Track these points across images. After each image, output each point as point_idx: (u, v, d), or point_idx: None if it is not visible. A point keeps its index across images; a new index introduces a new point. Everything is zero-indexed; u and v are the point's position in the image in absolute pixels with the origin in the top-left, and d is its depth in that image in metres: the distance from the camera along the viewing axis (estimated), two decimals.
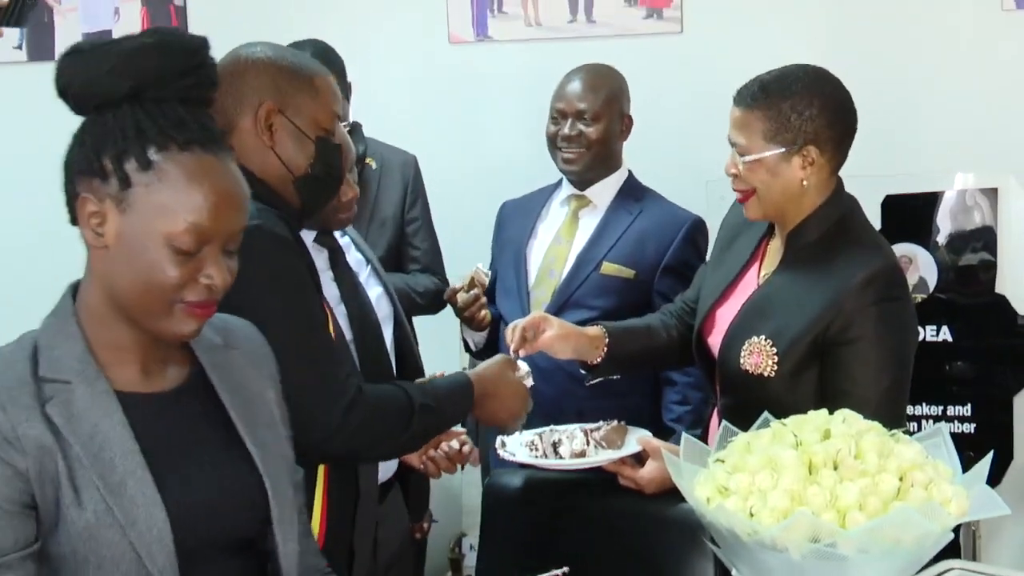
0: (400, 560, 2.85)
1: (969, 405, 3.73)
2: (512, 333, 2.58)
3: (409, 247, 3.59)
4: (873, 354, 2.32)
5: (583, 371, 2.72)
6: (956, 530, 3.36)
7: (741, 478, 1.92)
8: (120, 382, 1.67)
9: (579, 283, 3.24)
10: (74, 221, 1.67)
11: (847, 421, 1.98)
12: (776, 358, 2.37)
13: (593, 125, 3.30)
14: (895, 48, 3.94)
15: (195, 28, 4.35)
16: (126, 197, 1.61)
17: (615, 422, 2.55)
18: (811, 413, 2.03)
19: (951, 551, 2.18)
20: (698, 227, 3.33)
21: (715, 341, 2.55)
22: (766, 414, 2.12)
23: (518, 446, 2.51)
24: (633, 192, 3.35)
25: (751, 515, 1.86)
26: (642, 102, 3.87)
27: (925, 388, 3.74)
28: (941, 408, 3.75)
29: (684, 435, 2.12)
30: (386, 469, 2.71)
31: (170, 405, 1.72)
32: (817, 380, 2.37)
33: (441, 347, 3.65)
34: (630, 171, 3.40)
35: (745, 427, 2.20)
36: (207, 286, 1.64)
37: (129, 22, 4.40)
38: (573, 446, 2.46)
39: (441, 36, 4.21)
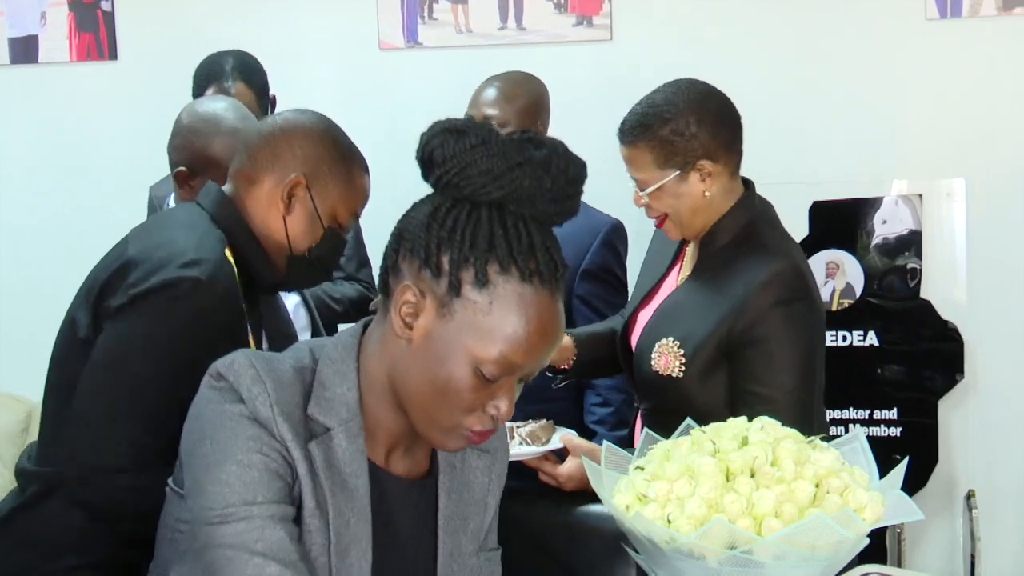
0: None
1: (896, 409, 3.77)
2: None
3: None
4: (777, 355, 2.34)
5: (549, 374, 2.74)
6: (882, 534, 3.41)
7: (660, 486, 1.91)
8: (368, 450, 1.65)
9: None
10: (384, 290, 1.64)
11: (765, 428, 1.98)
12: (683, 359, 2.40)
13: (502, 130, 3.26)
14: (821, 57, 3.97)
15: (122, 34, 4.32)
16: (450, 303, 1.56)
17: (543, 420, 2.55)
18: (730, 420, 2.03)
19: (876, 555, 2.20)
20: (616, 231, 3.33)
21: (634, 344, 2.58)
22: (688, 420, 2.13)
23: None
24: None
25: (669, 523, 1.86)
26: (572, 108, 3.88)
27: (853, 392, 3.78)
28: (868, 412, 3.78)
29: (605, 443, 2.12)
30: None
31: (399, 491, 1.69)
32: (726, 382, 2.39)
33: None
34: None
35: (663, 429, 2.24)
36: (492, 416, 1.60)
37: (56, 27, 4.34)
38: None
39: (371, 42, 4.19)
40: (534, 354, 1.57)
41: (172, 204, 2.67)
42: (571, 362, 2.69)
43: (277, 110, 3.60)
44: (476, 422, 1.60)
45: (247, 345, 2.15)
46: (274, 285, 2.30)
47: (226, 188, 2.26)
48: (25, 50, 4.37)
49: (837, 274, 3.77)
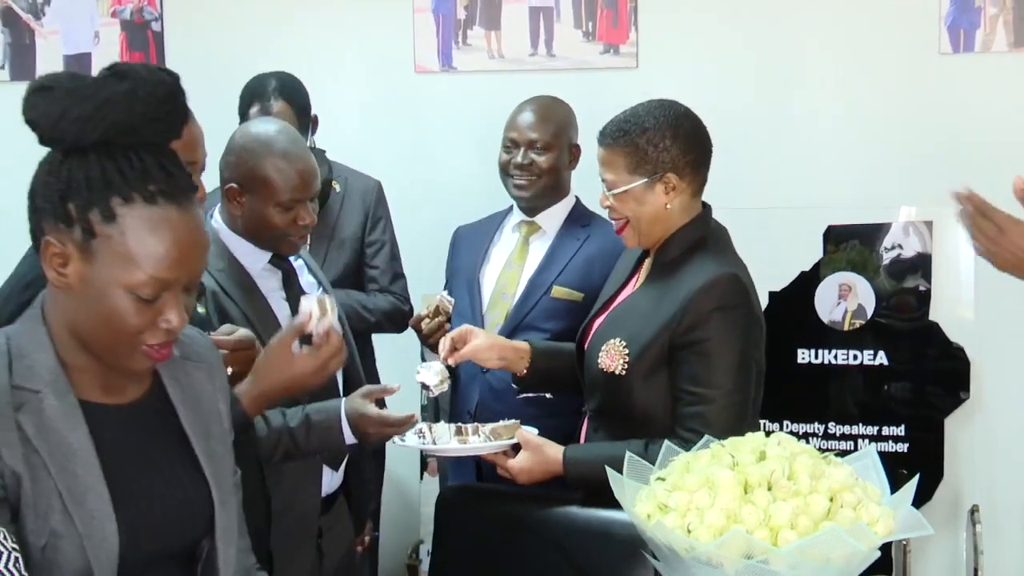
0: (348, 569, 2.84)
1: (903, 426, 3.76)
2: (443, 344, 2.70)
3: (368, 268, 3.59)
4: (714, 357, 2.42)
5: (514, 384, 2.84)
6: (888, 546, 3.41)
7: (680, 496, 1.93)
8: (84, 392, 1.67)
9: (531, 306, 3.25)
10: (37, 250, 1.66)
11: (782, 443, 1.99)
12: (627, 358, 2.47)
13: (544, 154, 3.32)
14: (839, 87, 3.97)
15: (171, 53, 4.35)
16: (89, 246, 1.59)
17: (511, 420, 2.61)
18: (748, 435, 2.04)
19: (882, 566, 2.20)
20: None
21: (587, 345, 2.66)
22: (707, 437, 2.15)
23: (410, 435, 2.58)
24: (581, 218, 3.36)
25: (689, 532, 1.87)
26: (598, 132, 3.90)
27: (862, 409, 3.78)
28: (877, 428, 3.77)
29: (628, 453, 2.13)
30: (331, 483, 2.71)
31: (131, 417, 1.72)
32: (667, 383, 2.46)
33: (402, 368, 3.66)
34: (577, 198, 3.42)
35: (607, 428, 2.44)
36: (166, 329, 1.64)
37: (108, 46, 4.38)
38: (454, 436, 2.54)
39: (407, 66, 4.21)
40: (180, 265, 1.62)
41: (216, 216, 2.70)
42: (525, 370, 2.77)
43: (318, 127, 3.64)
44: (151, 337, 1.63)
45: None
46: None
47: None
48: (78, 67, 4.39)
49: (849, 295, 3.77)
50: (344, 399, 2.56)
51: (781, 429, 3.79)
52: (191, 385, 1.81)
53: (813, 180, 3.94)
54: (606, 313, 2.64)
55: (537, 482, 2.50)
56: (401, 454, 3.42)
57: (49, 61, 4.42)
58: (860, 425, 3.78)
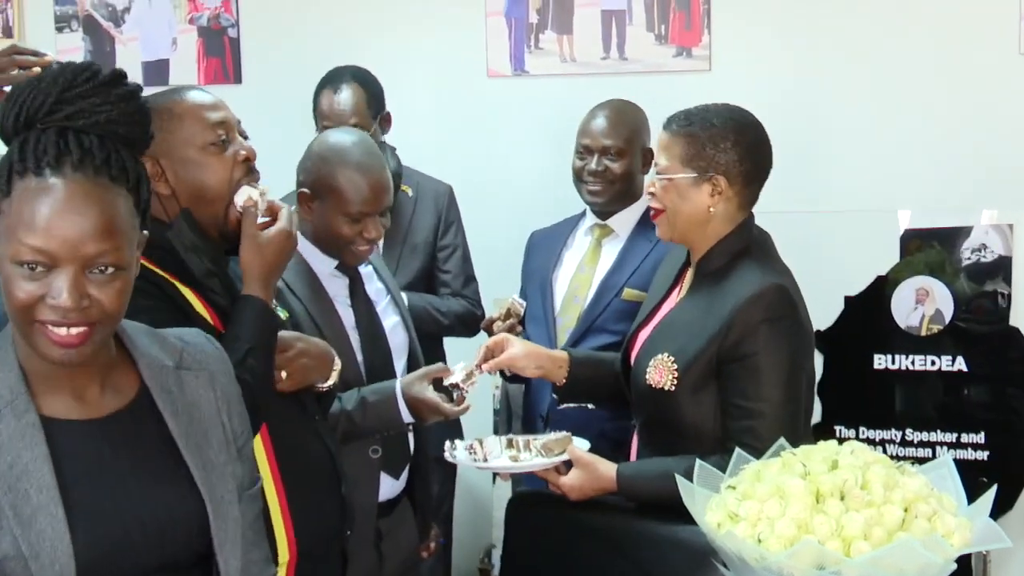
0: (410, 572, 2.84)
1: (982, 433, 3.68)
2: (479, 351, 2.70)
3: (440, 272, 3.60)
4: (763, 370, 2.37)
5: (553, 394, 2.83)
6: (968, 556, 3.34)
7: (750, 505, 1.90)
8: (53, 408, 1.64)
9: (602, 309, 3.24)
10: None
11: (855, 452, 1.96)
12: (676, 374, 2.43)
13: (618, 161, 3.31)
14: (917, 87, 3.91)
15: (247, 59, 4.40)
16: None
17: (562, 433, 2.59)
18: (820, 444, 2.01)
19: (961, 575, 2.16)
20: None
21: (633, 360, 2.62)
22: (781, 441, 2.12)
23: (463, 450, 2.59)
24: (651, 223, 3.33)
25: (759, 541, 1.85)
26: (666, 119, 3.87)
27: (940, 415, 3.71)
28: (955, 435, 3.70)
29: (698, 461, 2.11)
30: (393, 488, 2.72)
31: (105, 431, 1.67)
32: (716, 397, 2.42)
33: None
34: None
35: (656, 443, 2.41)
36: (54, 306, 1.56)
37: (186, 52, 4.44)
38: (504, 454, 2.54)
39: (480, 70, 4.21)
40: (58, 236, 1.55)
41: None
42: (564, 379, 2.74)
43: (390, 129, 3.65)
44: (40, 314, 1.57)
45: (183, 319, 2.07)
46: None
47: None
48: (157, 73, 4.47)
49: (926, 300, 3.70)
50: (400, 379, 2.61)
51: (856, 436, 3.74)
52: (184, 394, 1.75)
53: (890, 183, 3.88)
54: (650, 325, 2.61)
55: (589, 499, 2.47)
56: None
57: (128, 68, 4.41)
58: (938, 432, 3.71)
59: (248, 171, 2.21)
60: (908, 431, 3.72)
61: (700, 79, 3.99)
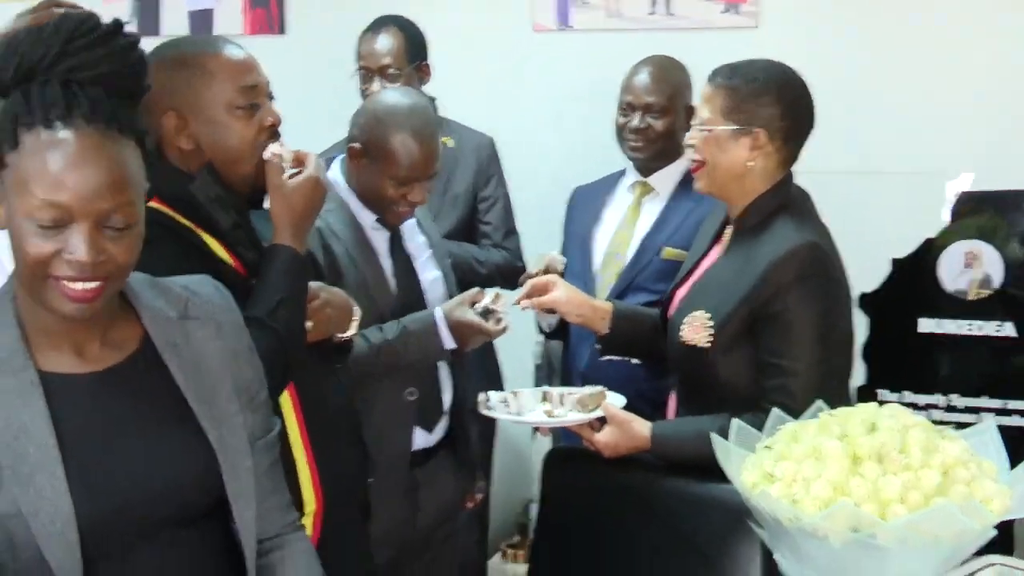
0: (450, 523, 2.85)
1: None
2: (523, 289, 2.76)
3: (481, 224, 3.59)
4: (795, 328, 2.36)
5: (596, 345, 2.84)
6: (1011, 525, 3.30)
7: (786, 466, 1.89)
8: (53, 364, 1.62)
9: (642, 267, 3.21)
10: None
11: (895, 415, 1.93)
12: (712, 331, 2.42)
13: (660, 118, 3.28)
14: (970, 48, 3.82)
15: (291, 11, 4.39)
16: (4, 180, 1.56)
17: (597, 388, 2.59)
18: (859, 406, 1.99)
19: (1004, 546, 2.13)
20: None
21: (670, 317, 2.62)
22: (819, 403, 2.10)
23: (498, 403, 2.60)
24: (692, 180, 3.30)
25: (794, 502, 1.83)
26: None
27: (987, 381, 3.65)
28: (1002, 402, 3.65)
29: (735, 420, 2.10)
30: (428, 439, 2.73)
31: (107, 384, 1.65)
32: (750, 356, 2.41)
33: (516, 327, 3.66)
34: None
35: (692, 401, 2.43)
36: (71, 261, 1.54)
37: (231, 2, 4.43)
38: (539, 407, 2.56)
39: (525, 24, 4.17)
40: (75, 190, 1.53)
41: (336, 167, 2.75)
42: (608, 330, 2.74)
43: (429, 81, 3.64)
44: (57, 269, 1.55)
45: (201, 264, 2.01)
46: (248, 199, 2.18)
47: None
48: (202, 22, 4.47)
49: (976, 264, 3.64)
50: (440, 306, 2.69)
51: (901, 400, 3.70)
52: (190, 344, 1.72)
53: (942, 144, 3.80)
54: (688, 283, 2.60)
55: (622, 456, 2.48)
56: None
57: (174, 17, 4.50)
58: (984, 398, 3.66)
59: (272, 136, 2.16)
60: (953, 397, 3.66)
61: (747, 36, 3.93)
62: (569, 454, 2.67)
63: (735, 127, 2.45)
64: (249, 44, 4.44)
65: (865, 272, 3.69)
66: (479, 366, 3.42)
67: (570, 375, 3.32)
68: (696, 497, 2.32)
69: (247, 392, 1.77)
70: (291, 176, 2.13)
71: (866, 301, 3.72)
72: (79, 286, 1.56)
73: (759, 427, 2.12)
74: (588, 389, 2.56)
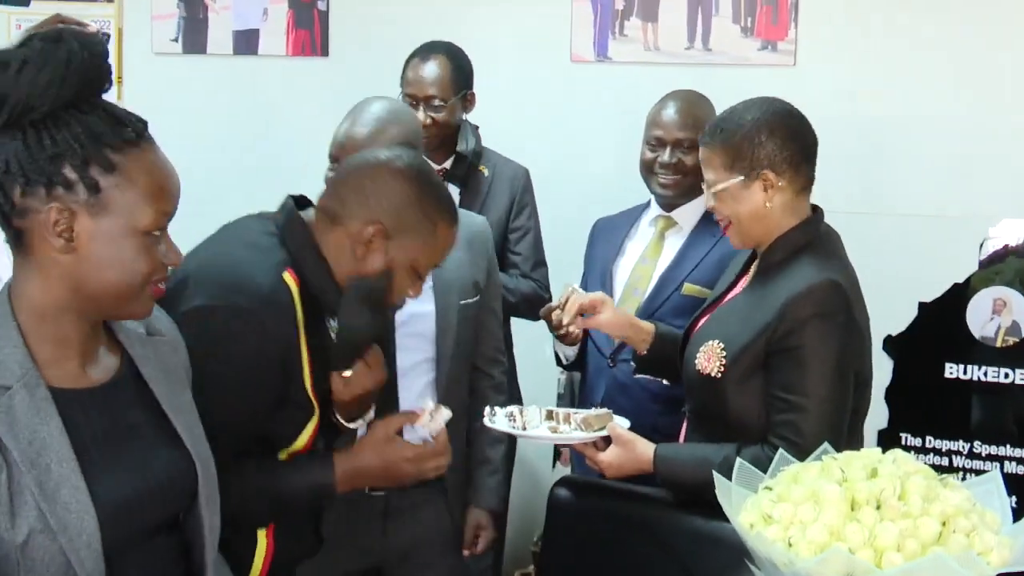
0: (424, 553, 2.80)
1: None
2: (570, 308, 2.70)
3: (511, 254, 3.58)
4: (809, 364, 2.36)
5: (633, 362, 2.86)
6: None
7: (785, 508, 1.87)
8: (58, 378, 1.66)
9: (661, 302, 3.19)
10: (18, 235, 1.64)
11: (897, 461, 1.91)
12: (724, 361, 2.42)
13: (690, 153, 3.22)
14: (1009, 93, 3.79)
15: (334, 31, 4.43)
16: (97, 202, 1.62)
17: (604, 410, 2.60)
18: (863, 450, 1.97)
19: None
20: None
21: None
22: (825, 445, 2.08)
23: (502, 416, 2.59)
24: None
25: (790, 545, 1.81)
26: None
27: (1012, 430, 3.61)
28: None
29: (739, 460, 2.08)
30: None
31: (105, 399, 1.71)
32: (762, 389, 2.40)
33: (536, 358, 3.66)
34: None
35: (703, 431, 2.42)
36: (169, 263, 1.72)
37: (275, 22, 4.48)
38: (544, 424, 2.55)
39: (564, 55, 4.19)
40: (173, 195, 1.69)
41: None
42: (647, 351, 2.76)
43: (474, 109, 3.65)
44: (157, 275, 1.70)
45: (298, 369, 2.11)
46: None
47: (307, 213, 2.22)
48: (247, 43, 4.52)
49: (1004, 311, 3.61)
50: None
51: (923, 444, 3.67)
52: (160, 359, 1.82)
53: (974, 189, 3.77)
54: (710, 314, 2.60)
55: (624, 477, 2.49)
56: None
57: (220, 36, 4.55)
58: (1007, 447, 3.62)
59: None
60: (976, 444, 3.63)
61: (784, 73, 3.92)
62: (575, 485, 2.66)
63: (742, 176, 2.46)
64: (291, 65, 4.57)
65: (893, 314, 3.68)
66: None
67: (587, 406, 3.31)
68: (701, 533, 2.32)
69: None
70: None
71: (892, 343, 3.71)
72: (161, 284, 1.77)
73: (764, 461, 2.10)
74: (595, 411, 2.57)
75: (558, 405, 3.76)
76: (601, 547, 2.45)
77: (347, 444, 2.28)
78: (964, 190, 3.77)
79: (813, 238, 2.49)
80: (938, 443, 3.65)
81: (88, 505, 1.59)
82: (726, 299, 2.61)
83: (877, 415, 3.74)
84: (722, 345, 2.43)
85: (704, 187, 2.55)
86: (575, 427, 2.52)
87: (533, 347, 3.62)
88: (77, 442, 1.63)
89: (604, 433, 2.50)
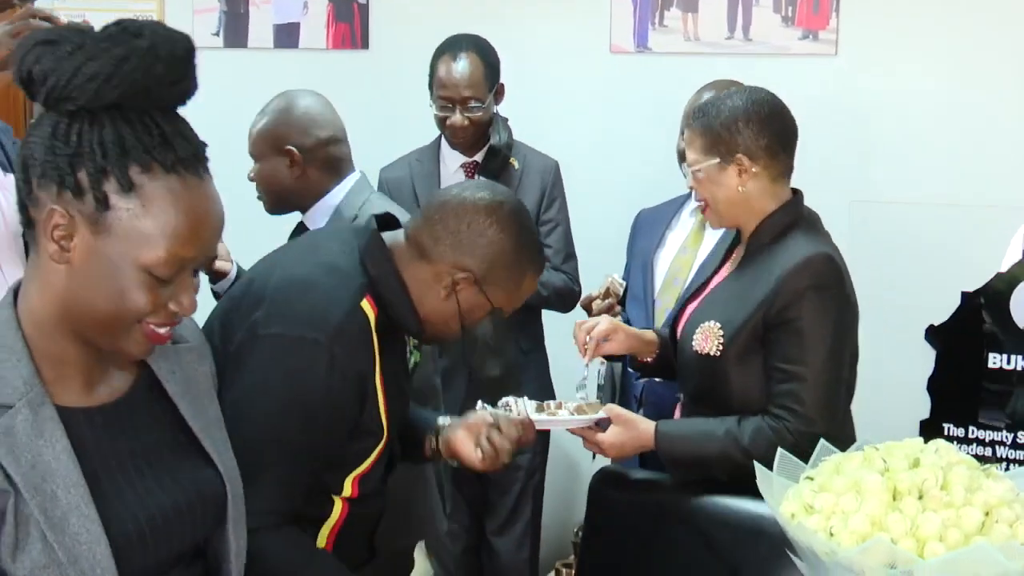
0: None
1: None
2: (589, 344, 2.67)
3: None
4: (807, 335, 2.39)
5: (632, 369, 2.89)
6: None
7: (826, 498, 1.86)
8: (64, 397, 1.51)
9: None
10: (28, 223, 1.49)
11: (939, 452, 1.90)
12: (722, 339, 2.44)
13: None
14: None
15: (374, 26, 4.43)
16: (102, 219, 1.44)
17: (595, 401, 2.63)
18: (905, 440, 1.96)
19: None
20: None
21: (680, 331, 2.64)
22: (866, 438, 2.07)
23: (500, 410, 2.55)
24: None
25: (831, 535, 1.80)
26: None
27: None
28: None
29: (780, 450, 2.07)
30: None
31: (119, 417, 1.56)
32: (761, 365, 2.43)
33: (569, 351, 3.65)
34: None
35: (704, 411, 2.45)
36: (175, 312, 1.51)
37: (316, 17, 4.50)
38: (538, 416, 2.49)
39: (603, 46, 4.17)
40: (200, 242, 1.48)
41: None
42: (654, 356, 2.77)
43: (504, 100, 3.65)
44: (156, 319, 1.49)
45: (372, 396, 2.08)
46: (417, 333, 2.22)
47: (392, 236, 2.17)
48: (288, 36, 4.55)
49: None
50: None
51: (967, 434, 3.64)
52: (183, 369, 1.66)
53: (1016, 178, 3.73)
54: (699, 298, 2.63)
55: (627, 457, 2.53)
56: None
57: (260, 30, 4.58)
58: None
59: None
60: (1020, 434, 3.60)
61: (825, 63, 3.90)
62: (615, 478, 2.66)
63: (718, 159, 2.50)
64: (331, 58, 4.58)
65: (935, 303, 3.65)
66: (532, 384, 3.43)
67: (627, 400, 3.31)
68: (743, 524, 2.30)
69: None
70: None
71: (934, 333, 3.68)
72: (164, 330, 1.52)
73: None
74: (585, 402, 2.56)
75: (598, 396, 3.78)
76: (642, 538, 2.45)
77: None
78: (1008, 179, 3.73)
79: (798, 218, 2.54)
80: (981, 433, 3.62)
81: (100, 535, 1.45)
82: (712, 284, 2.64)
83: (920, 405, 3.72)
84: (719, 325, 2.46)
85: (686, 167, 2.61)
86: (568, 413, 2.49)
87: (565, 340, 3.62)
88: (87, 466, 1.47)
89: (601, 415, 2.48)
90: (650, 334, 2.79)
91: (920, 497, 1.80)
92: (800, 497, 1.91)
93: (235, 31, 4.62)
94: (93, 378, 1.55)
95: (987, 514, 1.79)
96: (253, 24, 4.59)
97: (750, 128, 2.49)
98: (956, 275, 3.63)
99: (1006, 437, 3.60)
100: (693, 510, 2.40)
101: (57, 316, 1.49)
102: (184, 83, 1.50)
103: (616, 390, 3.55)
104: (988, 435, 3.61)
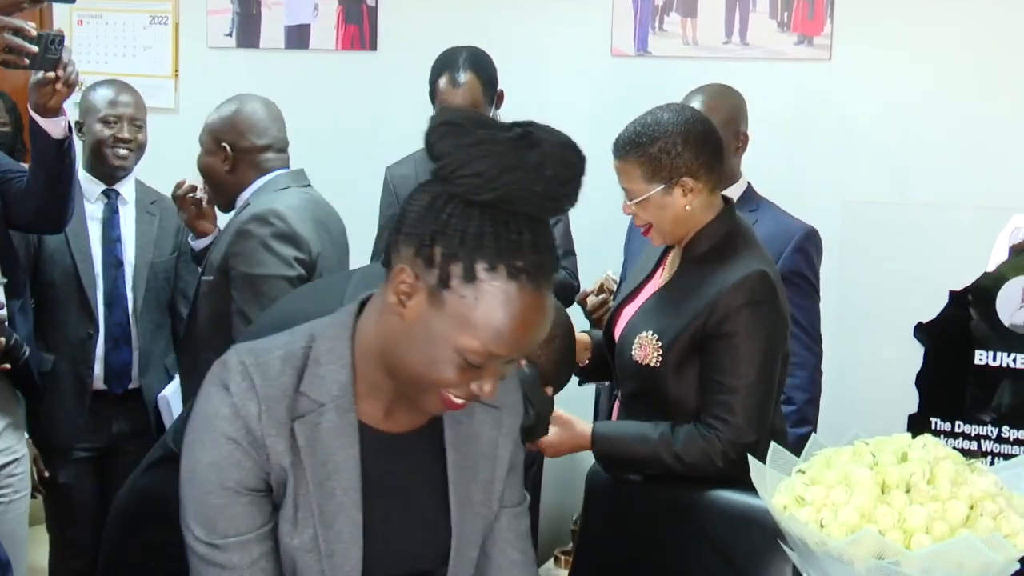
0: None
1: None
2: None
3: None
4: (742, 349, 2.43)
5: (575, 375, 2.81)
6: None
7: (817, 490, 1.88)
8: (366, 414, 1.63)
9: None
10: (387, 263, 1.58)
11: (927, 447, 1.92)
12: (660, 351, 2.48)
13: None
14: None
15: (383, 26, 4.45)
16: (440, 294, 1.51)
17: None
18: (894, 436, 1.98)
19: None
20: (809, 237, 3.26)
21: (617, 336, 2.66)
22: (856, 432, 2.09)
23: None
24: (749, 203, 3.26)
25: (822, 527, 1.82)
26: (786, 124, 3.81)
27: None
28: None
29: (772, 444, 2.10)
30: None
31: (400, 447, 1.67)
32: (697, 373, 2.47)
33: None
34: (749, 183, 3.33)
35: (641, 413, 2.51)
36: (475, 394, 1.57)
37: (326, 18, 4.52)
38: None
39: (604, 49, 4.19)
40: (516, 347, 1.54)
41: None
42: (587, 361, 2.78)
43: (503, 106, 3.66)
44: (458, 391, 1.57)
45: None
46: None
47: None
48: (298, 37, 4.57)
49: None
50: None
51: (953, 429, 3.64)
52: (471, 426, 1.73)
53: (1004, 180, 3.75)
54: (633, 304, 2.66)
55: (560, 456, 2.59)
56: None
57: (272, 31, 4.59)
58: None
59: None
60: (1005, 429, 3.61)
61: (819, 68, 3.91)
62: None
63: (662, 185, 2.49)
64: (340, 60, 4.59)
65: (924, 302, 3.66)
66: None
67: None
68: (735, 514, 2.32)
69: (500, 483, 1.78)
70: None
71: (923, 331, 3.69)
72: (461, 401, 1.58)
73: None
74: None
75: (597, 389, 3.79)
76: (638, 527, 2.47)
77: None
78: (996, 181, 3.75)
79: (732, 229, 2.56)
80: (967, 428, 3.63)
81: (358, 539, 1.59)
82: (646, 289, 2.67)
83: (908, 400, 3.73)
84: (656, 336, 2.49)
85: (624, 197, 2.57)
86: None
87: None
88: (366, 480, 1.61)
89: None
90: (584, 338, 2.81)
91: (908, 491, 1.82)
92: (792, 490, 1.93)
93: (247, 32, 4.64)
94: (394, 408, 1.66)
95: (972, 507, 1.81)
96: (265, 25, 4.61)
97: (689, 150, 2.48)
98: (944, 273, 3.63)
99: (991, 431, 3.60)
100: (687, 499, 2.42)
101: (379, 350, 1.60)
102: (560, 202, 1.54)
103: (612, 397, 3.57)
104: (974, 429, 3.62)
